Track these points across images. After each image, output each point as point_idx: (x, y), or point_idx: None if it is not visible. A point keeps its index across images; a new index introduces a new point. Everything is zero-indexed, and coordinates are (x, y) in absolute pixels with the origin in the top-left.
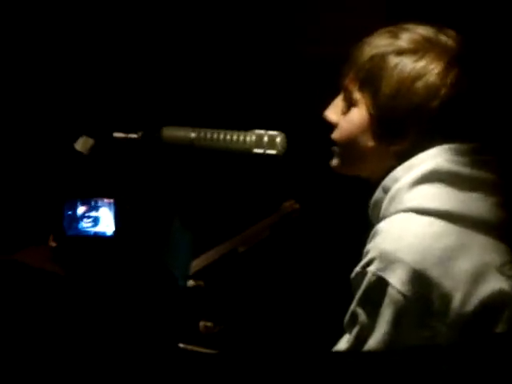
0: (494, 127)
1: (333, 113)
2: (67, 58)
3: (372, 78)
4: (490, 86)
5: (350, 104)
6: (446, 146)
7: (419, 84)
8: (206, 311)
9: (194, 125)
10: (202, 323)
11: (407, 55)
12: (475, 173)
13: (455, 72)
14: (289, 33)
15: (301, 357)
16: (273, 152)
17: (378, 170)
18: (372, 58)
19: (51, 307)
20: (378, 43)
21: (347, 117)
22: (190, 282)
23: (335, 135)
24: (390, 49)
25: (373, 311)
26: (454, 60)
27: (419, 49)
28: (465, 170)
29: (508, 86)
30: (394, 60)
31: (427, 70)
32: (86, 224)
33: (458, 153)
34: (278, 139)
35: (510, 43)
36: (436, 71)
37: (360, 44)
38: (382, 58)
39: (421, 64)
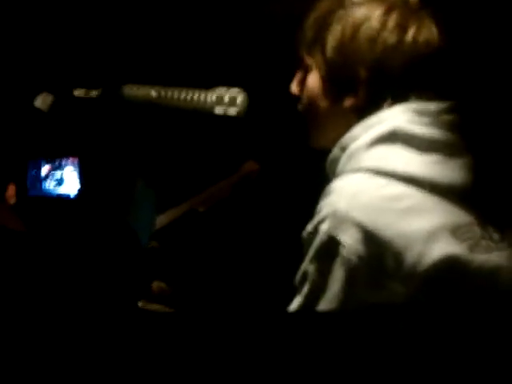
0: (462, 85)
1: (295, 85)
2: (28, 12)
3: (318, 36)
4: (451, 37)
5: (305, 72)
6: (407, 106)
7: (361, 31)
8: (159, 272)
9: (155, 83)
10: (155, 283)
11: (349, 7)
12: (436, 134)
13: (396, 15)
14: None
15: (253, 317)
16: (233, 112)
17: (342, 133)
18: (317, 18)
19: (12, 264)
20: (322, 6)
21: (305, 85)
22: (152, 244)
23: (299, 107)
24: (334, 6)
25: (324, 270)
26: (395, 5)
27: (362, 2)
28: (425, 132)
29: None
30: (337, 14)
31: (368, 16)
32: (49, 185)
33: (420, 113)
34: (239, 98)
35: None
36: (376, 15)
37: (308, 12)
38: (326, 15)
39: (362, 11)
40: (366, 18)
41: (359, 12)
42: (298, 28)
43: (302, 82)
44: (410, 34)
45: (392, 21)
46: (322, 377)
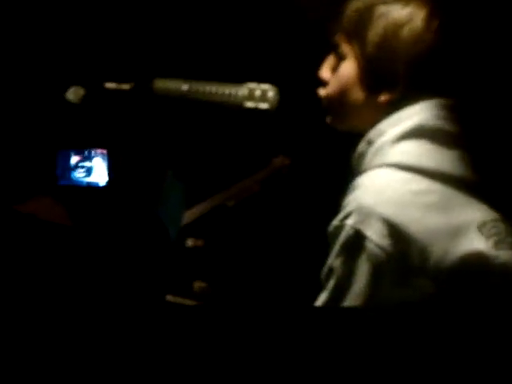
0: (484, 83)
1: (325, 71)
2: (57, 7)
3: (359, 28)
4: (481, 40)
5: (339, 59)
6: (433, 101)
7: (404, 30)
8: (201, 271)
9: (186, 77)
10: (196, 283)
11: (392, 4)
12: (461, 130)
13: (440, 18)
14: None
15: (281, 312)
16: (265, 106)
17: (369, 124)
18: (358, 9)
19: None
20: None
21: (338, 72)
22: (189, 242)
23: (326, 91)
24: (374, 0)
25: (350, 265)
26: (437, 8)
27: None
28: (451, 127)
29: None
30: (379, 9)
31: (412, 16)
32: (79, 174)
33: (445, 108)
34: (270, 93)
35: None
36: (421, 17)
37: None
38: (367, 8)
39: (406, 11)
40: (410, 19)
41: (403, 11)
42: (337, 14)
43: (334, 69)
44: (452, 35)
45: (434, 25)
46: (348, 372)
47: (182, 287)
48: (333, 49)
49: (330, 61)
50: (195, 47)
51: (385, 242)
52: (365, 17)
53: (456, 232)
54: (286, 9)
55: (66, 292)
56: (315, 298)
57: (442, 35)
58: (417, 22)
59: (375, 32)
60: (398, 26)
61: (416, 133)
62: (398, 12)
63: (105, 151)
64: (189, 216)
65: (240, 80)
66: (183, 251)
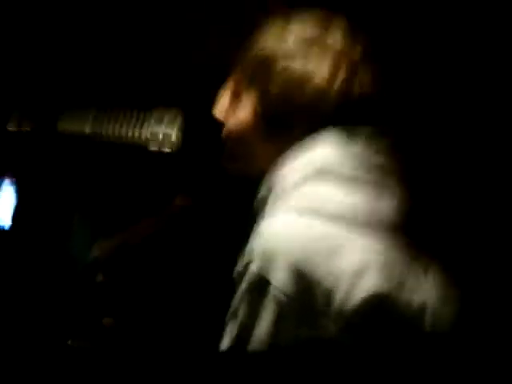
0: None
1: (221, 111)
2: None
3: (259, 78)
4: (390, 81)
5: (236, 101)
6: (332, 140)
7: (307, 88)
8: (107, 307)
9: (93, 104)
10: (105, 320)
11: (294, 59)
12: (363, 169)
13: (343, 74)
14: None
15: (185, 355)
16: (168, 150)
17: (266, 167)
18: (258, 58)
19: None
20: (265, 44)
21: (235, 115)
22: (99, 277)
23: (224, 133)
24: (277, 51)
25: (254, 310)
26: (340, 61)
27: (306, 51)
28: (352, 166)
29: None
30: (280, 63)
31: (314, 73)
32: None
33: (346, 151)
34: (174, 137)
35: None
36: (323, 75)
37: (247, 42)
38: (268, 60)
39: (308, 68)
40: (312, 76)
41: (305, 67)
42: (236, 55)
43: (231, 109)
44: (355, 90)
45: (338, 80)
46: None
47: (92, 323)
48: (229, 87)
49: (224, 100)
50: (102, 73)
51: (288, 286)
52: (264, 68)
53: (357, 274)
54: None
55: None
56: (217, 344)
57: (346, 88)
58: (318, 79)
59: (276, 86)
60: (299, 84)
61: (317, 175)
62: (300, 69)
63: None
64: (94, 252)
65: (148, 105)
66: (92, 287)
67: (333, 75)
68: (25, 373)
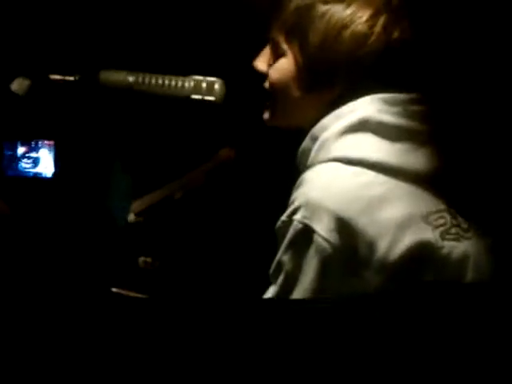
0: (433, 78)
1: (262, 62)
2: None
3: (298, 28)
4: (428, 36)
5: (277, 54)
6: (377, 96)
7: (346, 33)
8: (144, 247)
9: (132, 69)
10: (141, 259)
11: (334, 4)
12: (405, 123)
13: (383, 20)
14: None
15: (228, 304)
16: (211, 98)
17: (309, 119)
18: (298, 8)
19: None
20: None
21: (275, 66)
22: (131, 217)
23: (266, 84)
24: None
25: (299, 259)
26: (381, 8)
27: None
28: (395, 120)
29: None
30: (320, 9)
31: (354, 18)
32: (25, 165)
33: (390, 103)
34: (217, 85)
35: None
36: (363, 19)
37: None
38: (307, 8)
39: (348, 12)
40: (352, 21)
41: (344, 12)
42: (275, 9)
43: (273, 62)
44: (394, 37)
45: (378, 26)
46: (300, 366)
47: (128, 262)
48: (270, 42)
49: (266, 54)
50: (140, 40)
51: (332, 235)
52: (305, 16)
53: (402, 223)
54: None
55: (10, 284)
56: (263, 292)
57: (386, 37)
58: (359, 24)
59: (315, 34)
60: (339, 28)
61: (359, 127)
62: (340, 13)
63: (52, 142)
64: (135, 208)
65: (185, 73)
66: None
67: (373, 19)
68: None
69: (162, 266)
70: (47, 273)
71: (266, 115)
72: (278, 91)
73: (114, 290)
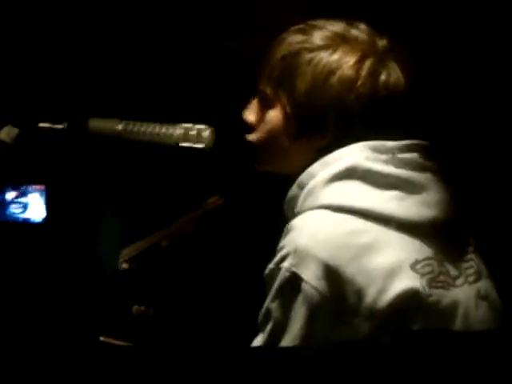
0: (422, 123)
1: (250, 114)
2: None
3: (285, 77)
4: (417, 78)
5: (265, 105)
6: (365, 143)
7: (334, 78)
8: (138, 295)
9: (121, 116)
10: (135, 307)
11: (320, 51)
12: (394, 171)
13: (369, 63)
14: (209, 27)
15: (216, 353)
16: (200, 146)
17: (297, 167)
18: (284, 57)
19: None
20: (290, 41)
21: (264, 117)
22: (123, 265)
23: (253, 136)
24: (302, 46)
25: (286, 307)
26: (367, 52)
27: (332, 44)
28: (383, 168)
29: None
30: (306, 56)
31: (341, 63)
32: (14, 210)
33: (378, 150)
34: (206, 133)
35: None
36: (350, 64)
37: (272, 44)
38: (293, 55)
39: (334, 58)
40: (339, 66)
41: (331, 58)
42: (261, 60)
43: (261, 113)
44: (381, 81)
45: (365, 69)
46: None
47: (121, 312)
48: (258, 93)
49: (254, 104)
50: (129, 87)
51: (321, 283)
52: (291, 64)
53: (391, 271)
54: (211, 50)
55: None
56: (251, 341)
57: (372, 82)
58: (346, 68)
59: (303, 81)
60: (327, 74)
61: (347, 174)
62: (327, 59)
63: (42, 187)
64: (125, 254)
65: (174, 120)
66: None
67: (360, 63)
68: (57, 370)
69: (156, 313)
70: (35, 320)
71: (257, 164)
72: (268, 142)
73: (101, 338)
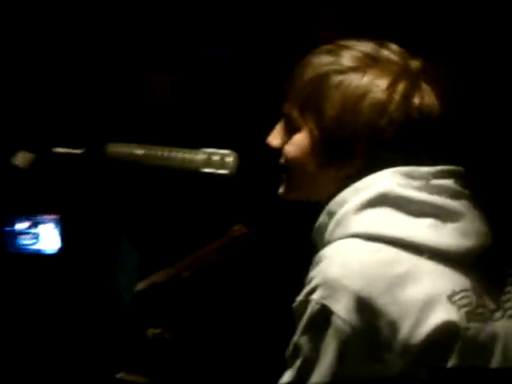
0: (454, 147)
1: (275, 138)
2: (9, 69)
3: (313, 100)
4: (449, 102)
5: (292, 129)
6: (397, 169)
7: (365, 102)
8: (154, 318)
9: (140, 141)
10: (150, 330)
11: (350, 73)
12: (427, 198)
13: (402, 87)
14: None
15: None
16: (223, 172)
17: (326, 193)
18: (312, 80)
19: None
20: (318, 63)
21: (290, 143)
22: (139, 287)
23: (281, 160)
24: (330, 68)
25: (316, 342)
26: (399, 75)
27: (362, 66)
28: (416, 195)
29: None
30: (336, 79)
31: (372, 86)
32: (25, 241)
33: (411, 176)
34: (230, 159)
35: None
36: (382, 87)
37: (298, 66)
38: (322, 78)
39: (365, 81)
40: (370, 89)
41: (361, 81)
42: (287, 82)
43: (287, 138)
44: (415, 105)
45: (398, 93)
46: None
47: (137, 335)
48: (283, 117)
49: (279, 129)
50: (150, 111)
51: (352, 317)
52: (319, 87)
53: (426, 303)
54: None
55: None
56: (279, 377)
57: (405, 106)
58: (377, 92)
59: (332, 105)
60: (357, 98)
61: (379, 201)
62: (357, 82)
63: (57, 216)
64: (142, 287)
65: (195, 146)
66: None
67: (392, 87)
68: None
69: (172, 337)
70: (51, 354)
71: (281, 190)
72: (294, 167)
73: (118, 375)
